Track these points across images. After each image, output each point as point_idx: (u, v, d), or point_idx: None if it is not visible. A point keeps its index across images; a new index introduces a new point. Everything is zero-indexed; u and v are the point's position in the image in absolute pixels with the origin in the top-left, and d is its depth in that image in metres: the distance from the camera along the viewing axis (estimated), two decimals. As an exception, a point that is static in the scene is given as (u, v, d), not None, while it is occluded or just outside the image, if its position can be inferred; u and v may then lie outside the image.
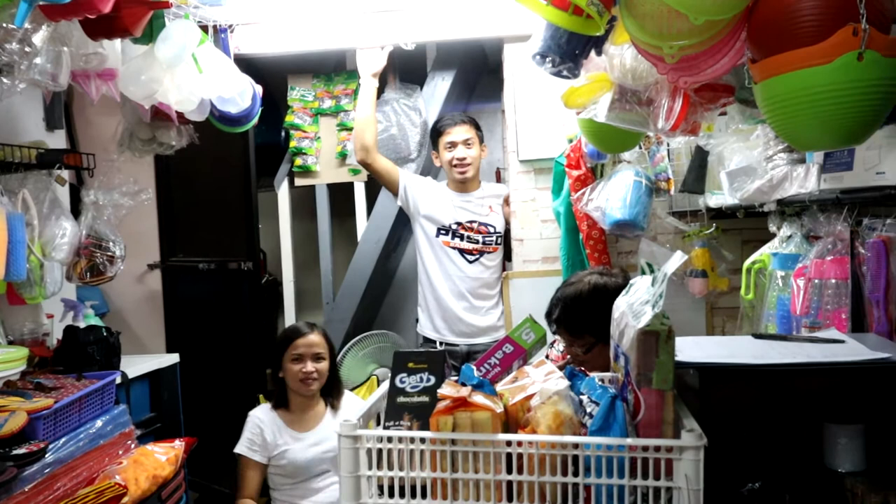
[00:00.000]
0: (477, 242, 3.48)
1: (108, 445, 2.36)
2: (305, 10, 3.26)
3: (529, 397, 1.42)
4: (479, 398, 1.38)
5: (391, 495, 1.37)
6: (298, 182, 4.73)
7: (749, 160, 2.40)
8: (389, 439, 1.36)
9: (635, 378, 1.31)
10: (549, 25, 1.63)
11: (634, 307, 1.40)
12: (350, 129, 4.39)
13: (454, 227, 3.48)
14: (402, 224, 4.30)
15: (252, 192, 4.07)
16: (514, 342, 1.73)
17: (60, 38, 2.25)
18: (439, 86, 4.46)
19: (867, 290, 1.96)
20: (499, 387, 1.52)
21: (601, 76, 1.95)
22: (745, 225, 3.13)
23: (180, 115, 2.79)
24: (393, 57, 3.47)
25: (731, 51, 1.39)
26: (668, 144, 2.93)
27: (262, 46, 3.37)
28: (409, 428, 1.44)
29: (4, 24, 1.95)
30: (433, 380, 1.51)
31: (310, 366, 2.81)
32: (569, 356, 2.14)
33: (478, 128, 3.52)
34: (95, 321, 3.00)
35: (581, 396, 1.44)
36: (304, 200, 5.16)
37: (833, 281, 2.09)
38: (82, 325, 2.85)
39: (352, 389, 3.78)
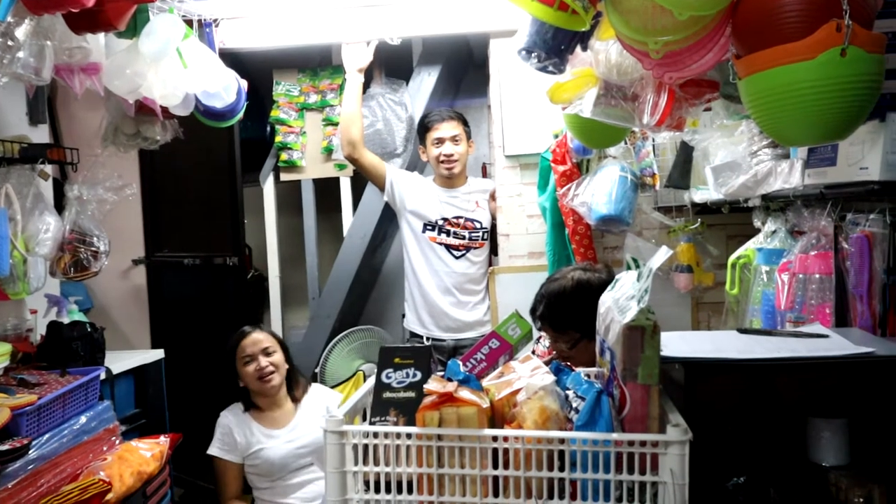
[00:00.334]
0: (463, 238, 3.48)
1: (92, 441, 2.34)
2: (291, 5, 3.25)
3: (515, 392, 1.42)
4: (465, 393, 1.38)
5: (377, 490, 1.37)
6: (284, 177, 4.72)
7: (734, 155, 2.40)
8: (375, 435, 1.36)
9: (621, 373, 1.32)
10: (534, 21, 1.63)
11: (620, 302, 1.40)
12: (336, 125, 4.39)
13: (440, 222, 3.48)
14: (389, 219, 4.30)
15: (237, 187, 4.06)
16: (500, 337, 1.73)
17: (43, 31, 2.22)
18: (425, 81, 4.45)
19: (851, 285, 1.98)
20: (485, 382, 1.52)
21: (587, 71, 1.95)
22: (730, 220, 3.14)
23: (165, 109, 2.77)
24: (379, 52, 3.46)
25: (715, 46, 1.40)
26: (653, 140, 2.94)
27: (247, 41, 3.35)
28: (396, 423, 1.43)
29: (-13, 19, 1.93)
30: (419, 375, 1.51)
31: (262, 360, 2.81)
32: (554, 351, 2.15)
33: (465, 124, 3.52)
34: (79, 317, 2.98)
35: (567, 391, 1.44)
36: (289, 195, 5.15)
37: (817, 276, 2.10)
38: (66, 320, 2.83)
39: (338, 385, 3.79)
